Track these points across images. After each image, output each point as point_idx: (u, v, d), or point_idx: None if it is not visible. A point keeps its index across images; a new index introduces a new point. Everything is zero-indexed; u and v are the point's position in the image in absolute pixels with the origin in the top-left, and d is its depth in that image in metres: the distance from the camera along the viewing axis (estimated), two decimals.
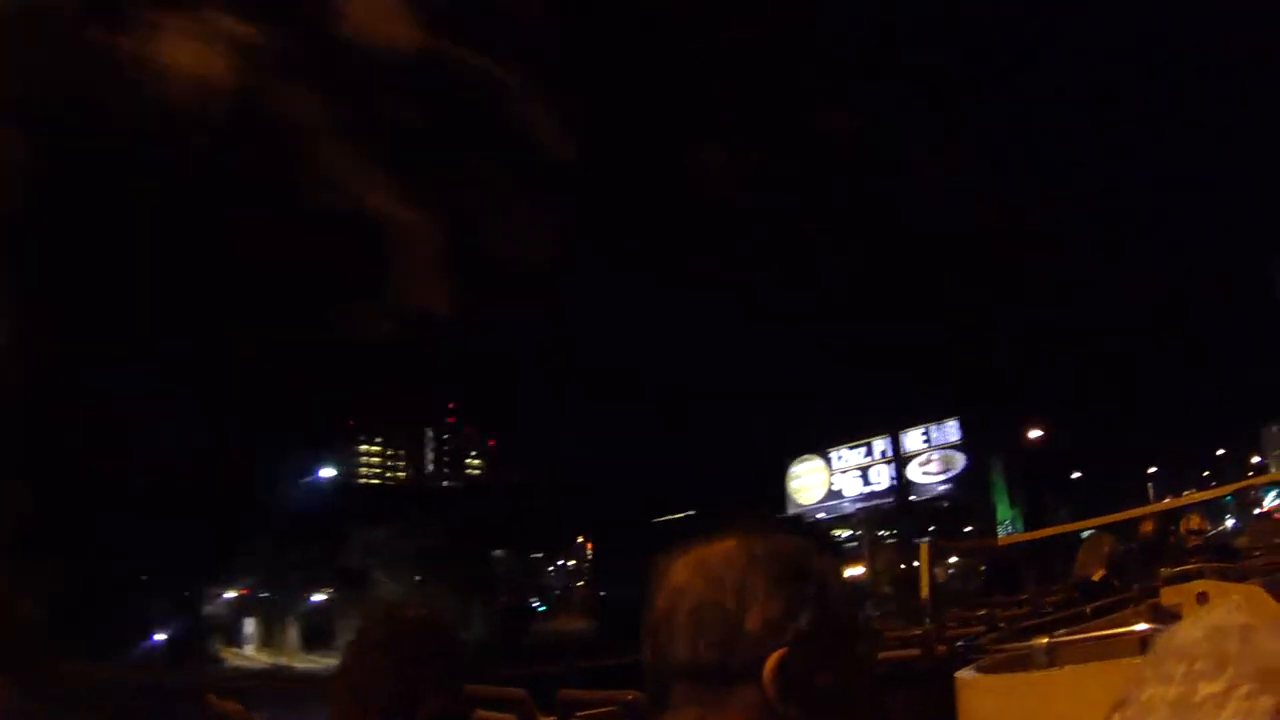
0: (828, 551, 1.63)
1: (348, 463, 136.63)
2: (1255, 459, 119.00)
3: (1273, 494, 69.12)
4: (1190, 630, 1.08)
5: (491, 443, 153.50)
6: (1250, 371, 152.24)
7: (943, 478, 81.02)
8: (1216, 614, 1.07)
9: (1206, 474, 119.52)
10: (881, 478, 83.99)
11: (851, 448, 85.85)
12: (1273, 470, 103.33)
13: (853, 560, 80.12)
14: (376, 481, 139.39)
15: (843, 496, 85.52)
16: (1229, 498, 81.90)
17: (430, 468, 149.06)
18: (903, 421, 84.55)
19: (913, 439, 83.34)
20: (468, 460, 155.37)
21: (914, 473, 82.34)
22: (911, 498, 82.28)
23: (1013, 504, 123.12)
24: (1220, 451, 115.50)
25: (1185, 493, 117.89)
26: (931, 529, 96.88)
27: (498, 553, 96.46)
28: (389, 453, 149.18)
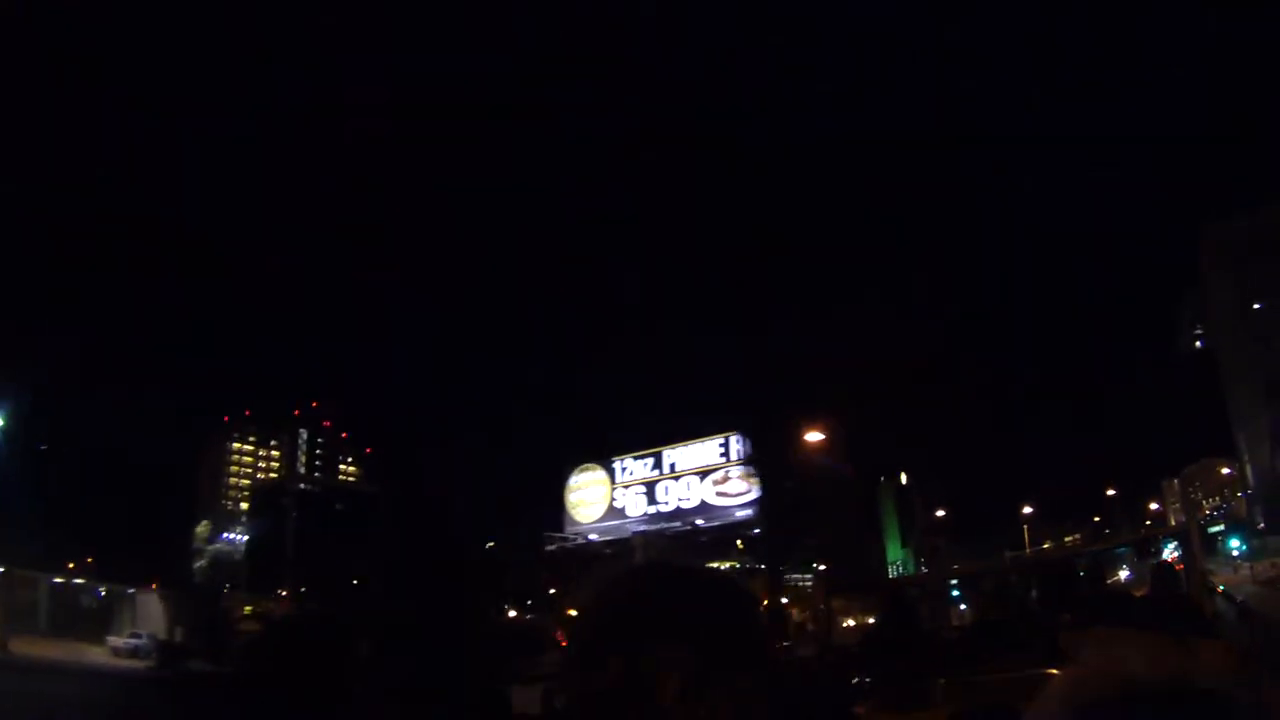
0: (736, 579, 1.74)
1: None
2: (1153, 505, 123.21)
3: (1171, 544, 71.67)
4: (1075, 673, 1.16)
5: (369, 450, 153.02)
6: (1142, 414, 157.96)
7: (743, 500, 69.16)
8: (1104, 658, 1.15)
9: (1098, 519, 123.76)
10: (669, 496, 71.97)
11: (637, 458, 73.88)
12: (1171, 520, 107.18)
13: None
14: (247, 480, 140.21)
15: (626, 515, 73.62)
16: (1121, 549, 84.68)
17: (302, 469, 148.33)
18: (696, 429, 72.19)
19: (706, 451, 71.09)
20: (342, 465, 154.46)
21: (707, 492, 70.11)
22: (699, 522, 70.30)
23: (904, 544, 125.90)
24: (1110, 493, 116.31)
25: (1069, 537, 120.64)
26: (818, 567, 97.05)
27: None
28: (260, 452, 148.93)
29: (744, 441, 69.59)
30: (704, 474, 70.37)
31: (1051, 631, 9.09)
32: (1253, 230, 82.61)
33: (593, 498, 75.82)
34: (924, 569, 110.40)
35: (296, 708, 2.91)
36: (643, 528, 71.63)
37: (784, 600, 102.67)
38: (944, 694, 7.51)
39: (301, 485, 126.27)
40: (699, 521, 70.02)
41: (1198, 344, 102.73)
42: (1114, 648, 1.27)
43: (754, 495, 68.86)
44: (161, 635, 55.91)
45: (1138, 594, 14.32)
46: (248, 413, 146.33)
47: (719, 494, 69.53)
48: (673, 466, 72.11)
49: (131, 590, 64.55)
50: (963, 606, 76.85)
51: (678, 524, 70.97)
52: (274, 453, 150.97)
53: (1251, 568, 58.82)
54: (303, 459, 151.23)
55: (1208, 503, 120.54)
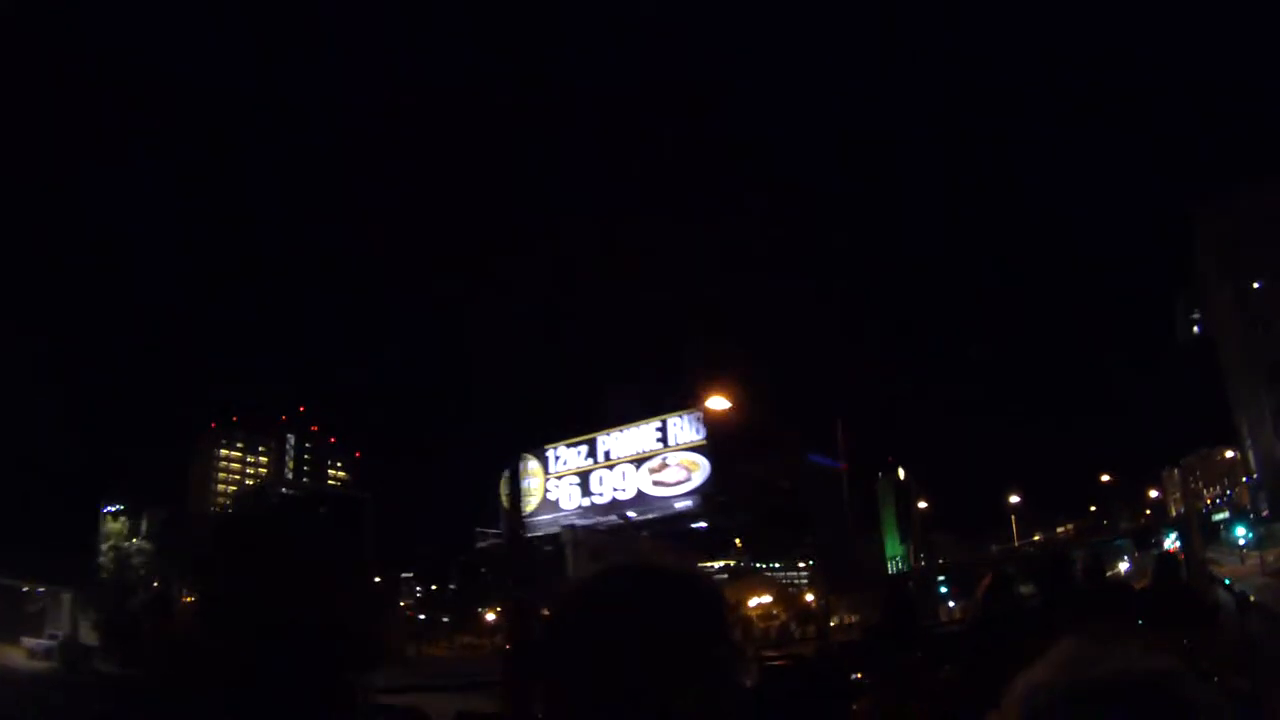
0: (702, 577, 1.73)
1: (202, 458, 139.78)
2: (1153, 493, 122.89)
3: (1172, 535, 71.52)
4: (1031, 677, 1.15)
5: (359, 454, 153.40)
6: (1141, 402, 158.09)
7: (681, 490, 63.66)
8: (1065, 659, 1.14)
9: (1094, 509, 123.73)
10: (604, 487, 67.13)
11: (570, 445, 69.54)
12: (1172, 511, 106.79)
13: None
14: (234, 486, 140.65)
15: (560, 508, 68.87)
16: (1120, 541, 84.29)
17: (290, 474, 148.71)
18: (629, 414, 67.46)
19: (643, 436, 66.22)
20: (331, 470, 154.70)
21: (643, 481, 65.21)
22: (631, 515, 65.06)
23: (902, 540, 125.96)
24: (1105, 478, 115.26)
25: (1061, 528, 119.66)
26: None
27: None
28: (248, 458, 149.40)
29: (687, 424, 63.88)
30: (639, 461, 65.44)
31: (1048, 627, 9.03)
32: (1247, 209, 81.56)
33: (527, 489, 69.47)
34: (922, 563, 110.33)
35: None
36: (576, 521, 66.57)
37: (768, 599, 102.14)
38: (943, 689, 7.47)
39: (283, 489, 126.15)
40: (631, 514, 64.69)
41: (1195, 330, 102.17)
42: (1092, 646, 1.25)
43: (695, 484, 62.90)
44: (82, 636, 55.84)
45: (1138, 586, 14.27)
46: (235, 419, 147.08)
47: (655, 483, 64.21)
48: (607, 454, 67.30)
49: (42, 589, 64.87)
50: (951, 604, 76.42)
51: (612, 517, 65.82)
52: (262, 459, 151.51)
53: (1261, 558, 58.11)
54: (290, 464, 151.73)
55: (1209, 491, 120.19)
